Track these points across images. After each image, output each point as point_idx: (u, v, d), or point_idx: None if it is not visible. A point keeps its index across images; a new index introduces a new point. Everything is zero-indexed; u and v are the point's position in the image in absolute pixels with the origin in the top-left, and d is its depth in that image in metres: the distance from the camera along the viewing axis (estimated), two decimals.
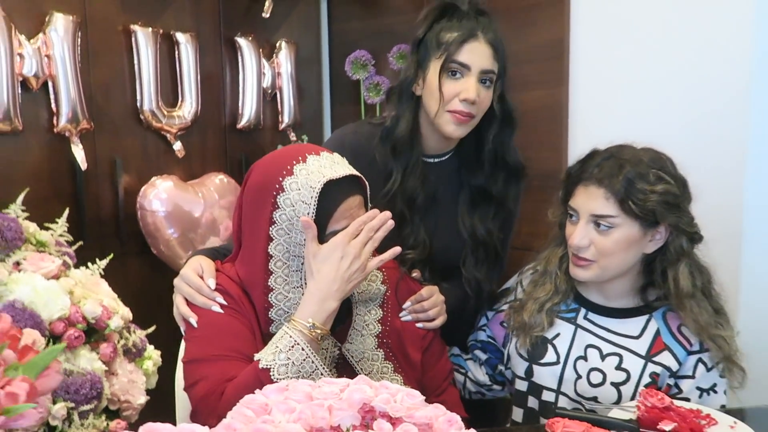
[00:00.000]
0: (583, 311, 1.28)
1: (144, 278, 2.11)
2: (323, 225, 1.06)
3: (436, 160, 1.41)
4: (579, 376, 1.24)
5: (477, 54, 1.27)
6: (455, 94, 1.28)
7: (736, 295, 1.71)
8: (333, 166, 1.07)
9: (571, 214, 1.23)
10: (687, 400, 1.19)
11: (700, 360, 1.21)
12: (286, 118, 2.54)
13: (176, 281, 1.19)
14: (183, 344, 1.33)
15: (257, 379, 0.96)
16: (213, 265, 1.16)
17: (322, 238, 1.06)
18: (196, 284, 1.12)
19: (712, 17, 1.71)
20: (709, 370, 1.21)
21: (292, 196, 1.05)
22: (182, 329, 1.18)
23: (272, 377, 0.97)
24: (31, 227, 1.44)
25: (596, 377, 1.23)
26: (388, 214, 1.06)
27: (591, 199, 1.18)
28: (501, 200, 1.41)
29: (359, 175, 1.09)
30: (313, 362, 1.00)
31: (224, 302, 1.10)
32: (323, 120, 2.77)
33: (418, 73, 1.32)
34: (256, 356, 1.01)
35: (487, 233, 1.39)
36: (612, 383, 1.22)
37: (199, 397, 1.02)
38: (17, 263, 1.35)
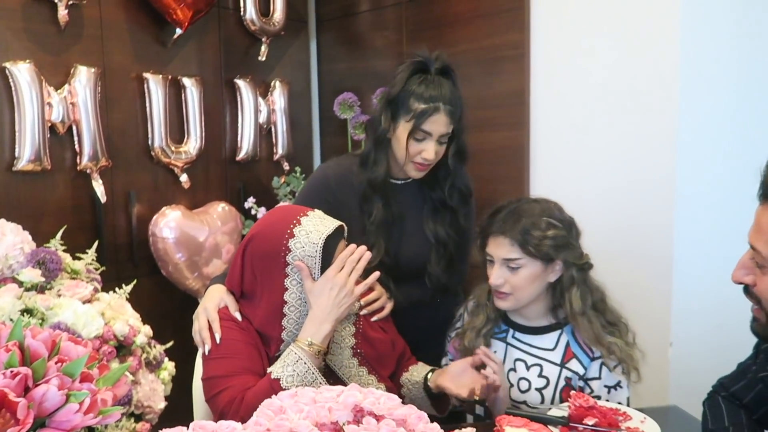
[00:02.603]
0: (511, 331, 1.55)
1: (154, 297, 2.34)
2: (325, 268, 1.32)
3: (401, 182, 1.71)
4: (511, 385, 1.51)
5: (438, 124, 1.56)
6: (418, 153, 1.58)
7: (669, 306, 1.99)
8: (323, 221, 1.34)
9: (489, 259, 1.50)
10: (598, 397, 1.45)
11: (602, 364, 1.47)
12: (280, 150, 2.77)
13: (200, 310, 1.42)
14: (200, 364, 1.59)
15: (270, 387, 1.23)
16: (233, 300, 1.40)
17: (321, 273, 1.32)
18: (213, 318, 1.37)
19: (642, 75, 1.98)
20: (611, 370, 1.47)
21: (298, 254, 1.31)
22: (201, 350, 1.41)
23: (282, 385, 1.23)
24: (67, 258, 1.68)
25: (524, 384, 1.50)
26: (364, 247, 1.34)
27: (500, 247, 1.46)
28: (455, 211, 1.70)
29: (341, 223, 1.37)
30: (313, 373, 1.26)
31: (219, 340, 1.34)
32: (313, 151, 3.01)
33: (391, 126, 1.61)
34: (269, 369, 1.27)
35: (447, 235, 1.68)
36: (536, 389, 1.49)
37: (224, 404, 1.27)
38: (58, 290, 1.58)
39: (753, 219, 1.09)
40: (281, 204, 2.53)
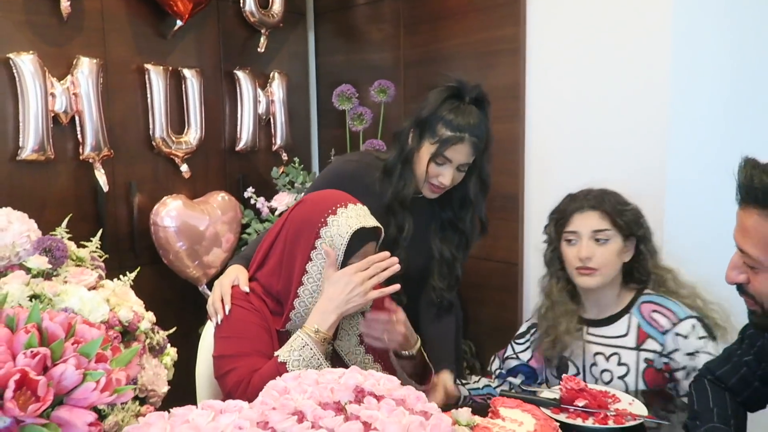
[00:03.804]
0: (585, 328, 1.60)
1: (155, 285, 2.38)
2: (348, 257, 1.36)
3: (418, 195, 1.72)
4: (596, 379, 1.55)
5: (460, 153, 1.58)
6: (436, 176, 1.61)
7: None
8: (366, 217, 1.38)
9: (570, 239, 1.55)
10: (684, 369, 1.48)
11: (676, 334, 1.49)
12: (278, 141, 2.80)
13: (216, 284, 1.48)
14: (202, 348, 1.63)
15: (277, 370, 1.27)
16: (246, 276, 1.46)
17: (342, 267, 1.35)
18: (226, 292, 1.43)
19: (636, 69, 2.02)
20: (686, 337, 1.49)
21: (332, 231, 1.35)
22: (212, 320, 1.47)
23: (288, 369, 1.27)
24: (72, 246, 1.72)
25: (607, 376, 1.55)
26: (395, 259, 1.36)
27: (589, 219, 1.53)
28: (465, 233, 1.73)
29: (380, 226, 1.40)
30: (318, 359, 1.30)
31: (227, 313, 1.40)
32: (311, 142, 3.04)
33: (417, 144, 1.64)
34: (276, 353, 1.32)
35: (452, 256, 1.71)
36: (618, 377, 1.53)
37: (232, 383, 1.32)
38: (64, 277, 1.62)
39: (736, 221, 1.11)
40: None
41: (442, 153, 1.58)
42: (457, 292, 1.79)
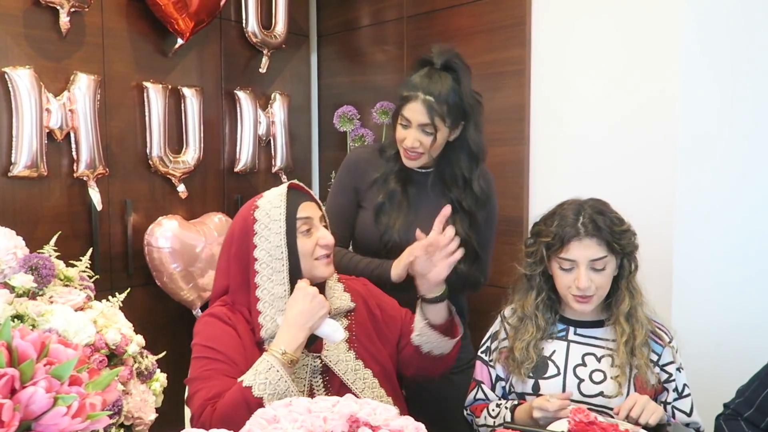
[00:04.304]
0: (571, 329, 1.54)
1: (148, 308, 2.32)
2: (293, 216, 1.36)
3: (423, 170, 1.75)
4: (581, 380, 1.48)
5: (414, 112, 1.63)
6: (402, 139, 1.66)
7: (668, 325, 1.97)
8: (291, 182, 1.41)
9: (565, 267, 1.49)
10: (673, 381, 1.47)
11: (672, 347, 1.49)
12: (278, 162, 2.76)
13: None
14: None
15: (242, 396, 1.20)
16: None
17: (293, 226, 1.36)
18: None
19: (642, 91, 1.99)
20: (677, 352, 1.50)
21: (264, 207, 1.37)
22: None
23: (253, 393, 1.20)
24: (60, 264, 1.66)
25: (598, 376, 1.49)
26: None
27: (587, 249, 1.46)
28: (472, 214, 1.74)
29: (307, 189, 1.44)
30: (286, 382, 1.23)
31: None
32: (312, 164, 3.01)
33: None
34: (240, 378, 1.25)
35: (467, 236, 1.70)
36: (611, 377, 1.47)
37: (196, 407, 1.28)
38: (50, 297, 1.56)
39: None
40: None
41: (399, 113, 1.65)
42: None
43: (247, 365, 1.30)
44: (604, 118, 2.09)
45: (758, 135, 2.04)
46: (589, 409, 1.36)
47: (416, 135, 1.64)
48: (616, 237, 1.45)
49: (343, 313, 1.47)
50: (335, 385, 1.39)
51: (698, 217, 1.98)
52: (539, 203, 2.25)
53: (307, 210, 1.39)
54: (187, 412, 1.58)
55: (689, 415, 1.48)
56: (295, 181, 1.46)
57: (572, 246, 1.47)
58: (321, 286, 1.43)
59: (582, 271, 1.46)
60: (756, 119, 2.03)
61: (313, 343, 1.41)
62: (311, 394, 1.36)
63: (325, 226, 1.44)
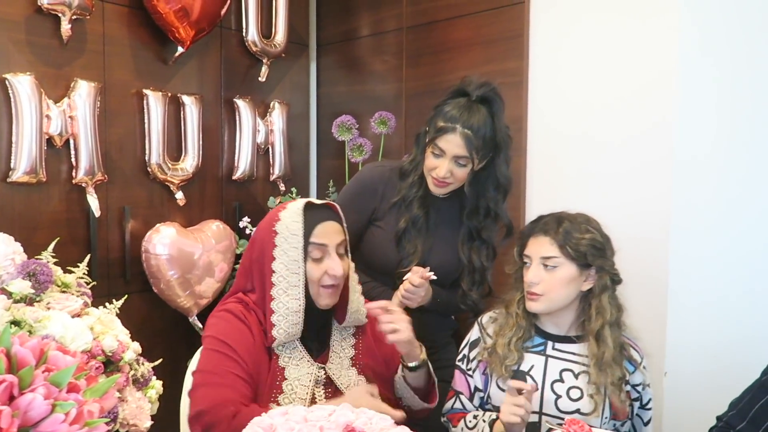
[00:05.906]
0: (549, 344, 1.55)
1: (145, 314, 2.32)
2: (307, 238, 1.38)
3: (443, 196, 1.77)
4: (558, 396, 1.49)
5: (451, 144, 1.64)
6: (433, 168, 1.68)
7: (664, 336, 1.98)
8: (314, 200, 1.43)
9: (525, 261, 1.53)
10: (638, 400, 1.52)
11: (644, 367, 1.54)
12: (277, 171, 2.76)
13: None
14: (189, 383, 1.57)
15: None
16: None
17: (306, 249, 1.37)
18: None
19: (640, 104, 2.01)
20: (646, 369, 1.55)
21: (285, 219, 1.38)
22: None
23: None
24: (58, 271, 1.66)
25: (575, 393, 1.49)
26: None
27: (539, 246, 1.50)
28: (490, 244, 1.78)
29: (334, 204, 1.44)
30: None
31: None
32: (310, 173, 3.01)
33: (424, 141, 1.72)
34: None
35: (482, 265, 1.76)
36: (589, 394, 1.48)
37: (206, 400, 1.29)
38: (47, 303, 1.56)
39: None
40: None
41: (434, 142, 1.65)
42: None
43: (254, 366, 1.33)
44: (601, 131, 2.11)
45: (755, 153, 2.05)
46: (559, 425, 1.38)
47: (449, 166, 1.65)
48: (572, 241, 1.47)
49: (353, 327, 1.50)
50: (336, 398, 1.40)
51: (694, 234, 1.99)
52: (536, 215, 2.25)
53: (324, 236, 1.40)
54: (183, 420, 1.58)
55: (646, 425, 1.54)
56: (330, 201, 1.49)
57: (530, 242, 1.53)
58: (345, 289, 1.46)
59: (533, 266, 1.50)
60: (753, 138, 2.05)
61: (320, 354, 1.43)
62: (313, 403, 1.37)
63: (343, 254, 1.44)
